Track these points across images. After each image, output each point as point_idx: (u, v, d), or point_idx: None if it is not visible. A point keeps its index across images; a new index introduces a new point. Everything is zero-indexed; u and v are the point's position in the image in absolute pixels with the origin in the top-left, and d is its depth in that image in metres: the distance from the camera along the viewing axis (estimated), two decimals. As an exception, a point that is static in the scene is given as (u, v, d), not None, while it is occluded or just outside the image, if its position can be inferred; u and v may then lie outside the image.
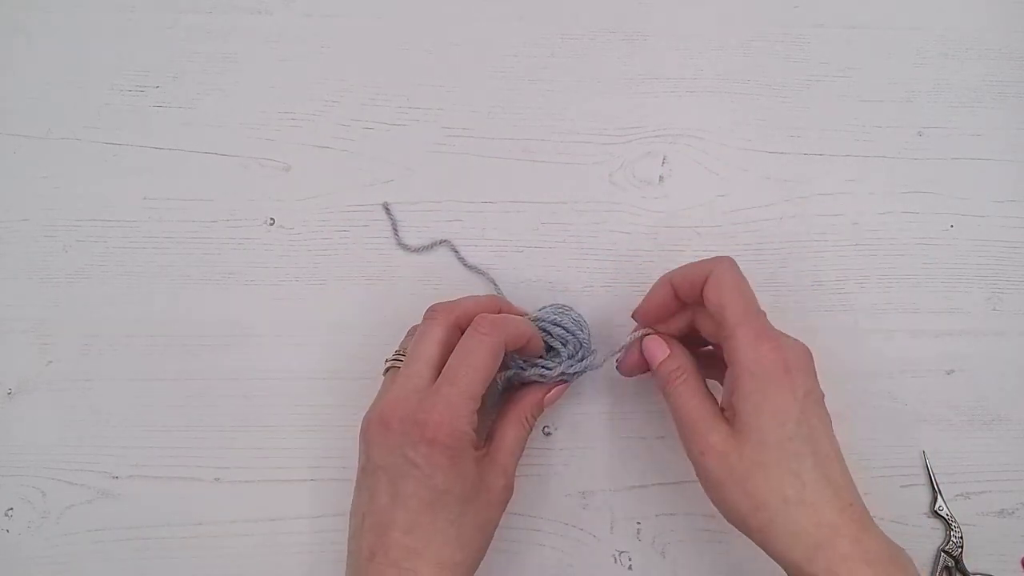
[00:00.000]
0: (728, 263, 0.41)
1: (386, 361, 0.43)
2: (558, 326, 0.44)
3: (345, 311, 0.49)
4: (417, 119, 0.51)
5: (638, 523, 0.47)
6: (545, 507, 0.47)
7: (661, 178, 0.51)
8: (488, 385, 0.39)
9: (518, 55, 0.53)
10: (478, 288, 0.49)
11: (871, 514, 0.37)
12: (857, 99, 0.53)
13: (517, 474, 0.46)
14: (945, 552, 0.47)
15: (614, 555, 0.46)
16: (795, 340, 0.39)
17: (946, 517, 0.47)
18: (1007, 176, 0.52)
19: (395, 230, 0.48)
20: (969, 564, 0.47)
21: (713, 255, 0.50)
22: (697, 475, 0.39)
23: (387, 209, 0.48)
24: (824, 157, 0.52)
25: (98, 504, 0.46)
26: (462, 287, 0.49)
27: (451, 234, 0.50)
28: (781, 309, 0.50)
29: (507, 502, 0.41)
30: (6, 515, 0.46)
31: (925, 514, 0.48)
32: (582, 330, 0.44)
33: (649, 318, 0.44)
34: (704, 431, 0.38)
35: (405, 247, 0.48)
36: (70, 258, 0.49)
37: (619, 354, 0.45)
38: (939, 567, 0.46)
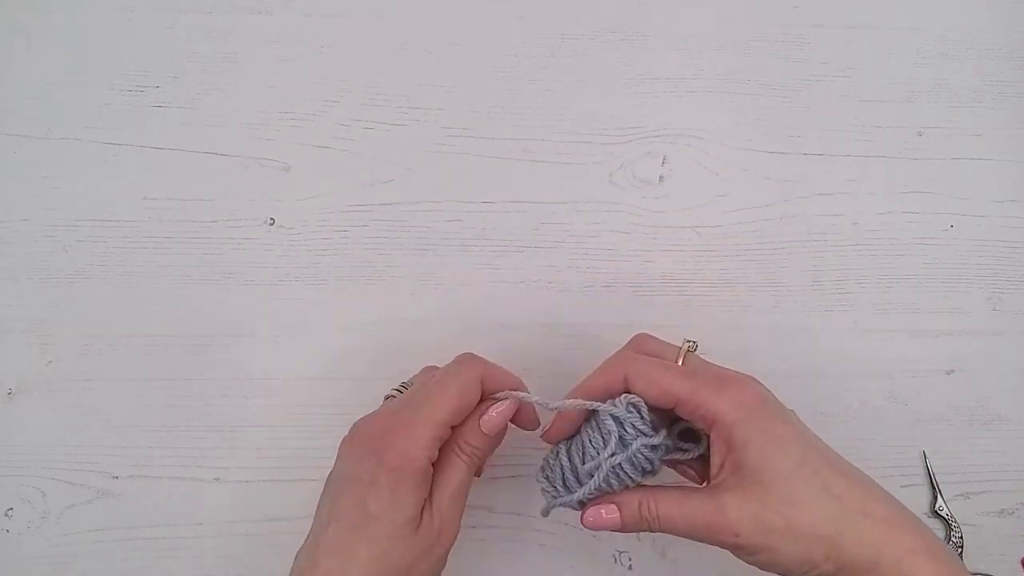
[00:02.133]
0: (630, 360, 0.38)
1: (389, 391, 0.42)
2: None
3: (345, 311, 0.49)
4: (417, 119, 0.51)
5: (638, 523, 0.47)
6: (545, 507, 0.47)
7: (661, 178, 0.51)
8: (458, 418, 0.37)
9: (518, 55, 0.53)
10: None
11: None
12: (857, 99, 0.53)
13: (517, 474, 0.47)
14: (945, 552, 0.47)
15: (614, 555, 0.46)
16: (743, 373, 0.38)
17: (946, 517, 0.47)
18: (1007, 176, 0.52)
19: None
20: (969, 564, 0.47)
21: (713, 255, 0.50)
22: (744, 560, 0.36)
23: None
24: (824, 157, 0.52)
25: (98, 504, 0.46)
26: (463, 289, 0.49)
27: (451, 234, 0.50)
28: (781, 309, 0.50)
29: (443, 549, 0.37)
30: (6, 515, 0.46)
31: (925, 514, 0.48)
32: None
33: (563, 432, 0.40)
34: (720, 520, 0.35)
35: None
36: (70, 258, 0.49)
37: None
38: (939, 567, 0.46)
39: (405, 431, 0.36)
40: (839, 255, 0.51)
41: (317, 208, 0.50)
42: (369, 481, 0.35)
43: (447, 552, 0.37)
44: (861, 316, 0.50)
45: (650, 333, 0.42)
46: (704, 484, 0.39)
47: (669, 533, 0.37)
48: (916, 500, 0.48)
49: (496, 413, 0.38)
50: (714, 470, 0.37)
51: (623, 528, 0.38)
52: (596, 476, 0.37)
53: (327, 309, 0.49)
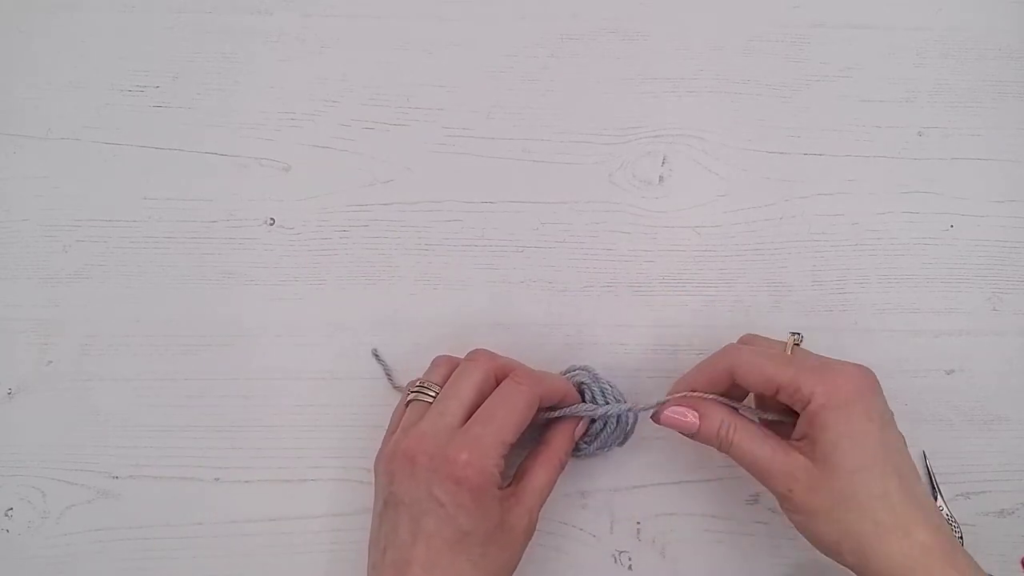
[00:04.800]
0: (735, 351, 0.41)
1: (408, 391, 0.42)
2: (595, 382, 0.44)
3: (345, 311, 0.49)
4: (417, 119, 0.51)
5: (638, 523, 0.47)
6: (545, 507, 0.46)
7: (661, 178, 0.51)
8: (519, 435, 0.39)
9: (518, 55, 0.53)
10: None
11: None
12: (857, 99, 0.53)
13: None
14: (945, 552, 0.47)
15: (614, 555, 0.46)
16: (856, 365, 0.39)
17: (946, 517, 0.47)
18: (1007, 176, 0.52)
19: (389, 376, 0.47)
20: (969, 564, 0.47)
21: (713, 255, 0.50)
22: (783, 509, 0.39)
23: (377, 356, 0.47)
24: (824, 157, 0.52)
25: (98, 504, 0.46)
26: (461, 292, 0.49)
27: (451, 234, 0.50)
28: (781, 309, 0.50)
29: (528, 542, 0.40)
30: (6, 515, 0.46)
31: (925, 514, 0.47)
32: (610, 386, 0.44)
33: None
34: (785, 471, 0.38)
35: (400, 389, 0.47)
36: (70, 258, 0.49)
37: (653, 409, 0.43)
38: (939, 567, 0.46)
39: (478, 451, 0.37)
40: (839, 255, 0.51)
41: (317, 208, 0.50)
42: (453, 503, 0.37)
43: (528, 543, 0.40)
44: (861, 316, 0.50)
45: (758, 334, 0.44)
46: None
47: (733, 459, 0.40)
48: (916, 500, 0.48)
49: (583, 427, 0.43)
50: (795, 435, 0.39)
51: (695, 436, 0.41)
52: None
53: (327, 309, 0.49)
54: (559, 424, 0.43)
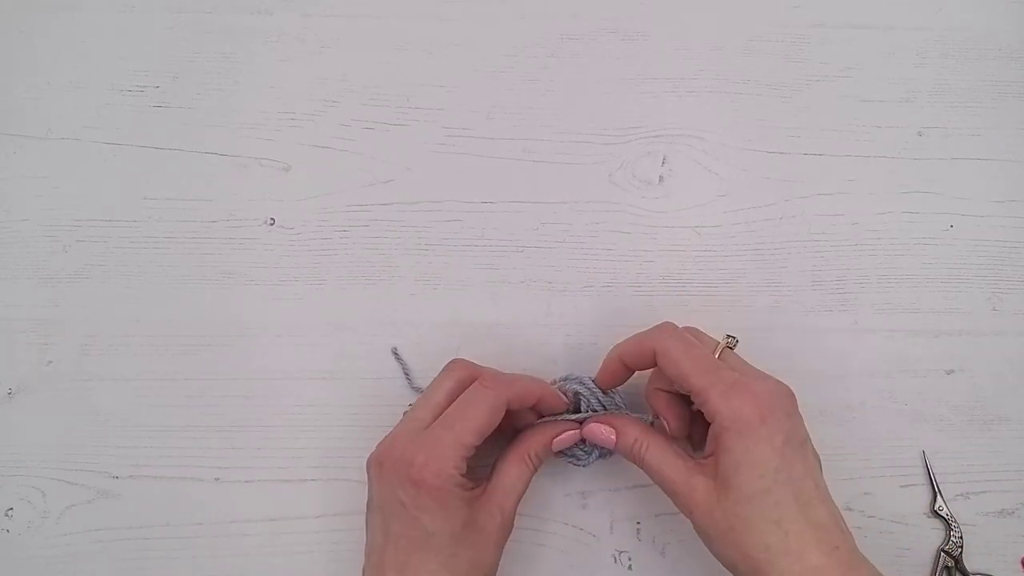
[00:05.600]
0: (669, 331, 0.41)
1: (408, 406, 0.43)
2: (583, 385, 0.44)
3: (345, 311, 0.49)
4: (417, 119, 0.51)
5: (638, 523, 0.47)
6: (545, 507, 0.47)
7: (661, 178, 0.51)
8: (484, 437, 0.39)
9: (518, 55, 0.53)
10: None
11: (873, 516, 0.37)
12: (857, 99, 0.53)
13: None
14: (945, 552, 0.47)
15: (614, 555, 0.46)
16: (773, 382, 0.39)
17: (946, 517, 0.47)
18: (1007, 176, 0.52)
19: (407, 375, 0.48)
20: (969, 564, 0.47)
21: (713, 255, 0.50)
22: (694, 527, 0.40)
23: (397, 355, 0.48)
24: (824, 157, 0.52)
25: (98, 504, 0.46)
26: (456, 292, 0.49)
27: (451, 234, 0.50)
28: (781, 309, 0.50)
29: (505, 540, 0.40)
30: (6, 515, 0.46)
31: (925, 514, 0.48)
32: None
33: (607, 387, 0.44)
34: (686, 491, 0.39)
35: (418, 390, 0.47)
36: (70, 258, 0.49)
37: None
38: (939, 567, 0.46)
39: (434, 451, 0.38)
40: (839, 255, 0.51)
41: (317, 208, 0.50)
42: (415, 505, 0.38)
43: (505, 542, 0.41)
44: (861, 316, 0.50)
45: (695, 327, 0.44)
46: (696, 451, 0.42)
47: (646, 473, 0.41)
48: (916, 500, 0.48)
49: (567, 436, 0.43)
50: (705, 452, 0.40)
51: (612, 449, 0.43)
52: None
53: (327, 309, 0.49)
54: (538, 425, 0.43)
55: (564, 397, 0.44)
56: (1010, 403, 0.49)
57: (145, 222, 0.50)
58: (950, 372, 0.49)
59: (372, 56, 0.52)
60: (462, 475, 0.39)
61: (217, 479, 0.47)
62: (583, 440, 0.44)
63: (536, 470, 0.42)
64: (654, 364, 0.41)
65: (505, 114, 0.52)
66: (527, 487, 0.42)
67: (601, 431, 0.42)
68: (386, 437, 0.40)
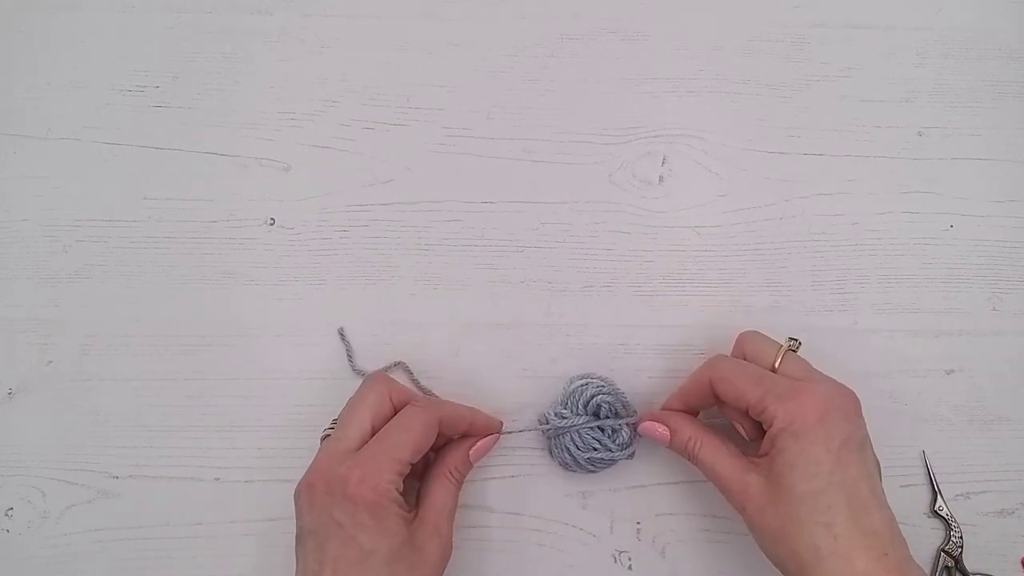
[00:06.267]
0: (720, 358, 0.42)
1: (323, 431, 0.43)
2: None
3: (345, 311, 0.49)
4: (417, 119, 0.51)
5: (638, 523, 0.47)
6: (545, 507, 0.47)
7: (661, 178, 0.51)
8: (419, 454, 0.40)
9: (518, 55, 0.53)
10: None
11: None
12: (857, 99, 0.53)
13: (518, 474, 0.47)
14: (945, 552, 0.47)
15: (614, 555, 0.46)
16: (834, 384, 0.40)
17: (946, 517, 0.47)
18: (1007, 176, 0.52)
19: (350, 357, 0.48)
20: (969, 564, 0.47)
21: (713, 255, 0.50)
22: (742, 517, 0.40)
23: (342, 335, 0.48)
24: (824, 157, 0.52)
25: (98, 504, 0.46)
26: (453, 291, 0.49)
27: (451, 234, 0.50)
28: (781, 309, 0.50)
29: (445, 562, 0.40)
30: (6, 515, 0.46)
31: (925, 514, 0.48)
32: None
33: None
34: (740, 488, 0.39)
35: (360, 372, 0.47)
36: (70, 258, 0.49)
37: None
38: (939, 567, 0.46)
39: (370, 466, 0.38)
40: (839, 255, 0.51)
41: (317, 208, 0.50)
42: (352, 524, 0.37)
43: (445, 566, 0.40)
44: (861, 316, 0.50)
45: (757, 331, 0.44)
46: (750, 449, 0.42)
47: (700, 471, 0.42)
48: (916, 500, 0.48)
49: (482, 444, 0.44)
50: (760, 452, 0.40)
51: (667, 446, 0.43)
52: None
53: (327, 309, 0.49)
54: (454, 441, 0.44)
55: (497, 420, 0.45)
56: (1010, 403, 0.49)
57: (145, 222, 0.50)
58: (950, 372, 0.49)
59: (372, 56, 0.52)
60: (399, 492, 0.38)
61: (217, 479, 0.47)
62: (602, 446, 0.44)
63: (460, 485, 0.43)
64: (714, 399, 0.42)
65: (505, 114, 0.52)
66: (456, 504, 0.42)
67: (656, 429, 0.43)
68: (312, 463, 0.40)
